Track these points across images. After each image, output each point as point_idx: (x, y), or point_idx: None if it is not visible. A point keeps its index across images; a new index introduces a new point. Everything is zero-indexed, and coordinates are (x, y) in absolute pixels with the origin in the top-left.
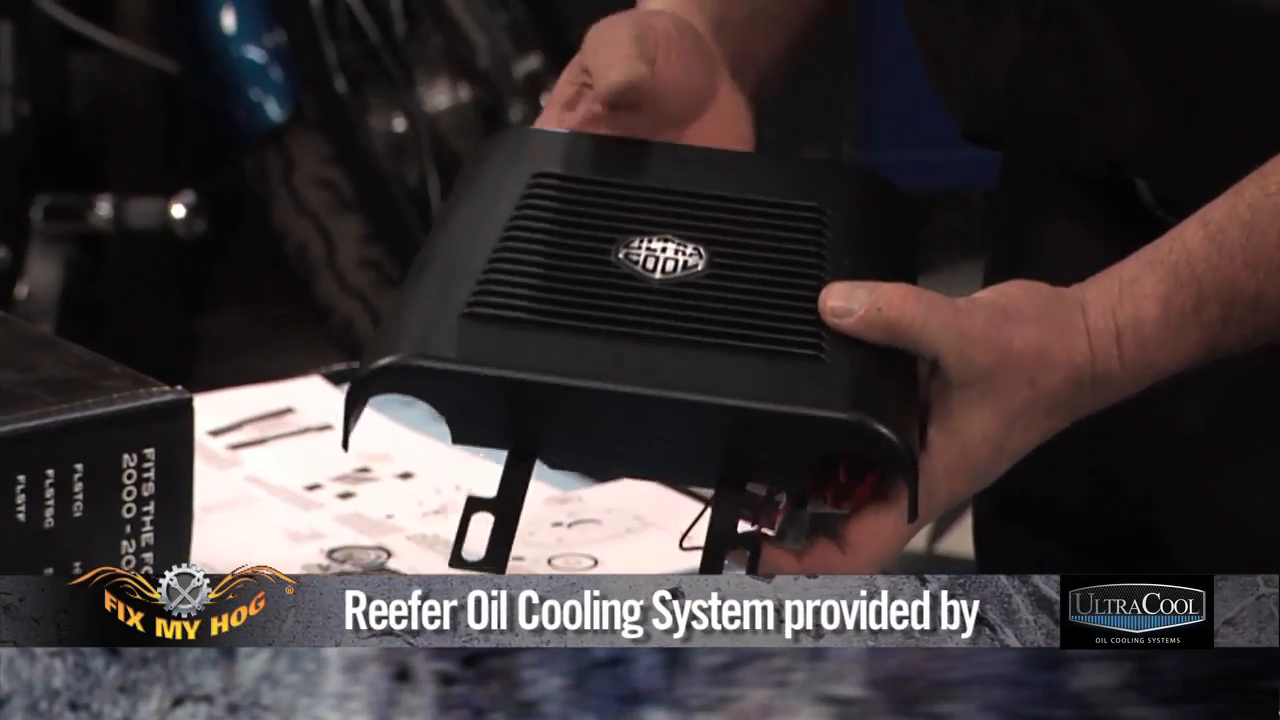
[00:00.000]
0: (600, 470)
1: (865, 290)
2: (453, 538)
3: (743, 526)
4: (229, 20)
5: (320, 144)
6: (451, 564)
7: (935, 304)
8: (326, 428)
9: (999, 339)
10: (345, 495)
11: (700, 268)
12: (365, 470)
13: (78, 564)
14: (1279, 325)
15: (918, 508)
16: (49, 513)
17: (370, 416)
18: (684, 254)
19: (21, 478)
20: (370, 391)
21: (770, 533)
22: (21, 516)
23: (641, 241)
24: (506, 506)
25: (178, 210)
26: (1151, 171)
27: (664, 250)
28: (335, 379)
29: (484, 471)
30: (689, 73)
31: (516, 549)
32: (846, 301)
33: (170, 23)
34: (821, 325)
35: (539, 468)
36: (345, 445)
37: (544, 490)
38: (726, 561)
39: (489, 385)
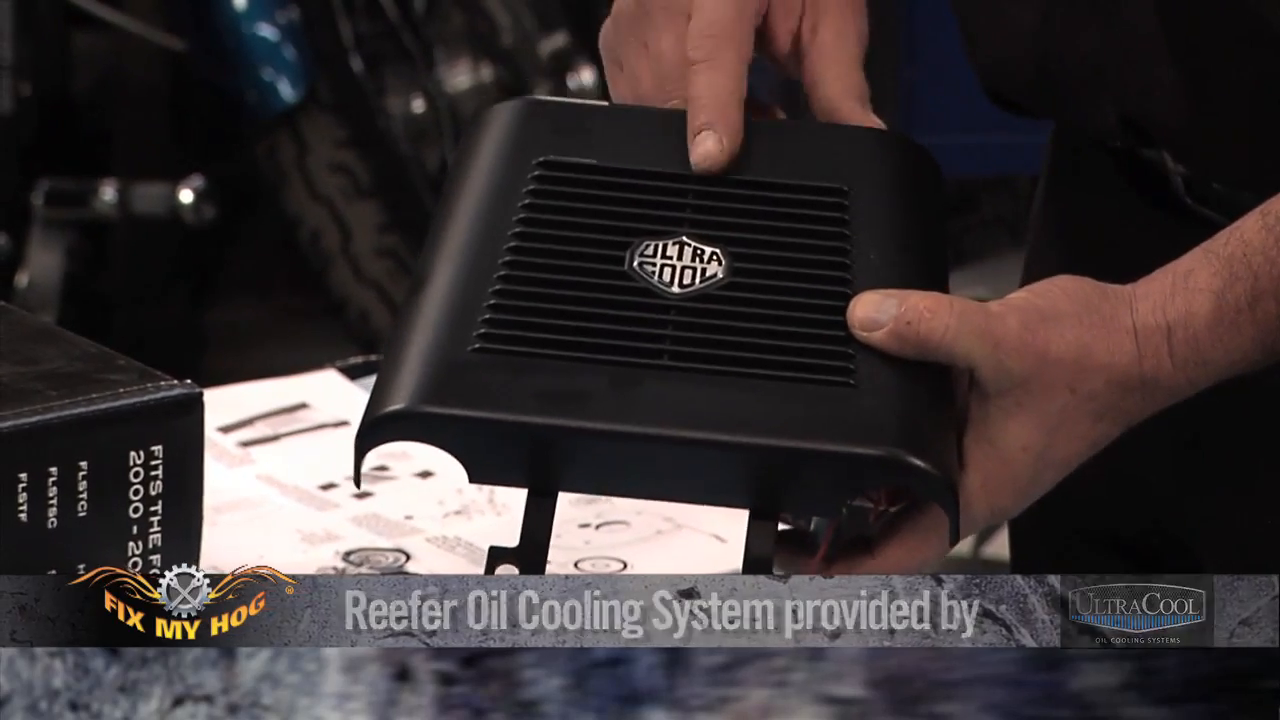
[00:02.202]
0: (621, 495)
1: (894, 301)
2: (474, 539)
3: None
4: None
5: (335, 126)
6: None
7: (966, 312)
8: (342, 424)
9: (1034, 344)
10: (362, 495)
11: (720, 276)
12: (383, 469)
13: (82, 566)
14: None
15: (958, 530)
16: (52, 513)
17: None
18: (702, 261)
19: (24, 476)
20: (377, 439)
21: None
22: (24, 516)
23: (657, 247)
24: (531, 555)
25: (185, 196)
26: (1172, 140)
27: (681, 258)
28: (351, 373)
29: None
30: (791, 17)
31: None
32: (875, 313)
33: None
34: (850, 342)
35: None
36: (358, 484)
37: None
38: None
39: (504, 430)
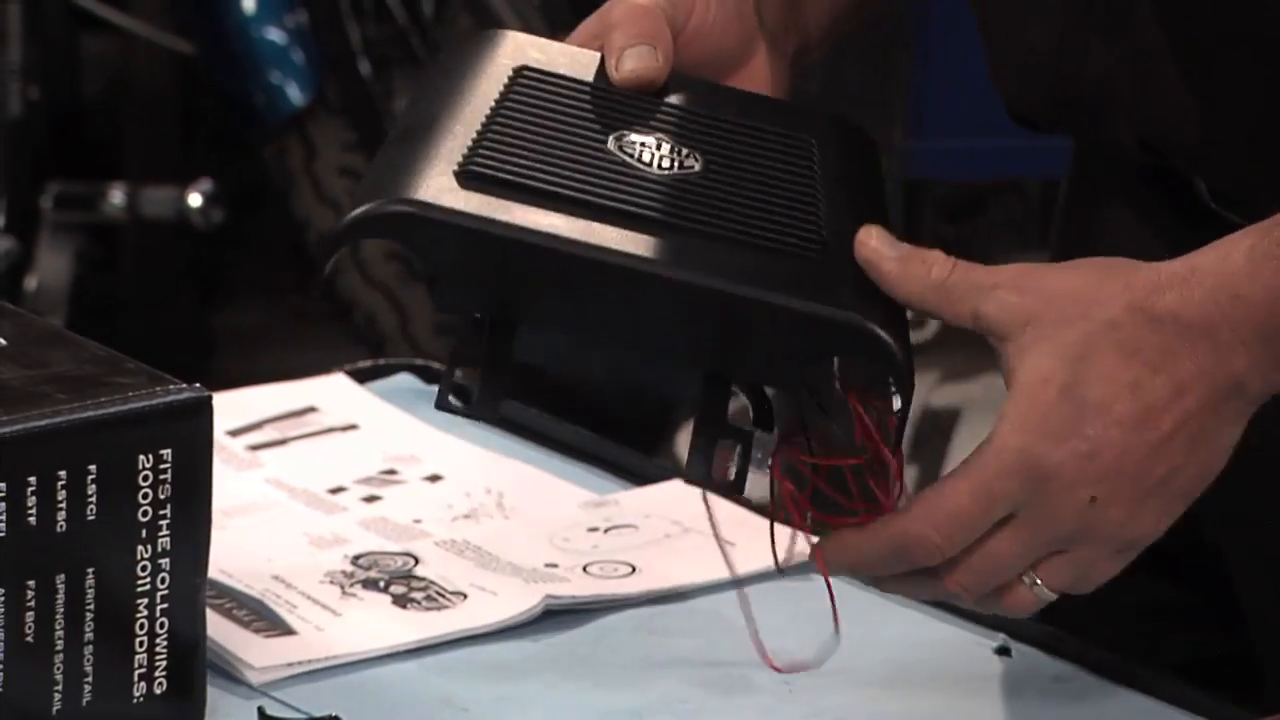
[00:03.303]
0: (583, 341)
1: (905, 244)
2: (483, 543)
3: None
4: (249, 0)
5: (343, 130)
6: (438, 406)
7: (964, 266)
8: (351, 428)
9: (1031, 280)
10: (370, 499)
11: (697, 169)
12: (391, 472)
13: (91, 569)
14: None
15: (909, 407)
16: (61, 516)
17: (396, 416)
18: (680, 156)
19: (33, 479)
20: (356, 234)
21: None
22: (33, 520)
23: (637, 136)
24: (494, 363)
25: (194, 199)
26: (1187, 158)
27: (660, 148)
28: (359, 376)
29: (517, 472)
30: (722, 40)
31: (550, 555)
32: (889, 247)
33: (187, 2)
34: (821, 229)
35: (568, 472)
36: (326, 293)
37: (579, 494)
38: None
39: (482, 241)
